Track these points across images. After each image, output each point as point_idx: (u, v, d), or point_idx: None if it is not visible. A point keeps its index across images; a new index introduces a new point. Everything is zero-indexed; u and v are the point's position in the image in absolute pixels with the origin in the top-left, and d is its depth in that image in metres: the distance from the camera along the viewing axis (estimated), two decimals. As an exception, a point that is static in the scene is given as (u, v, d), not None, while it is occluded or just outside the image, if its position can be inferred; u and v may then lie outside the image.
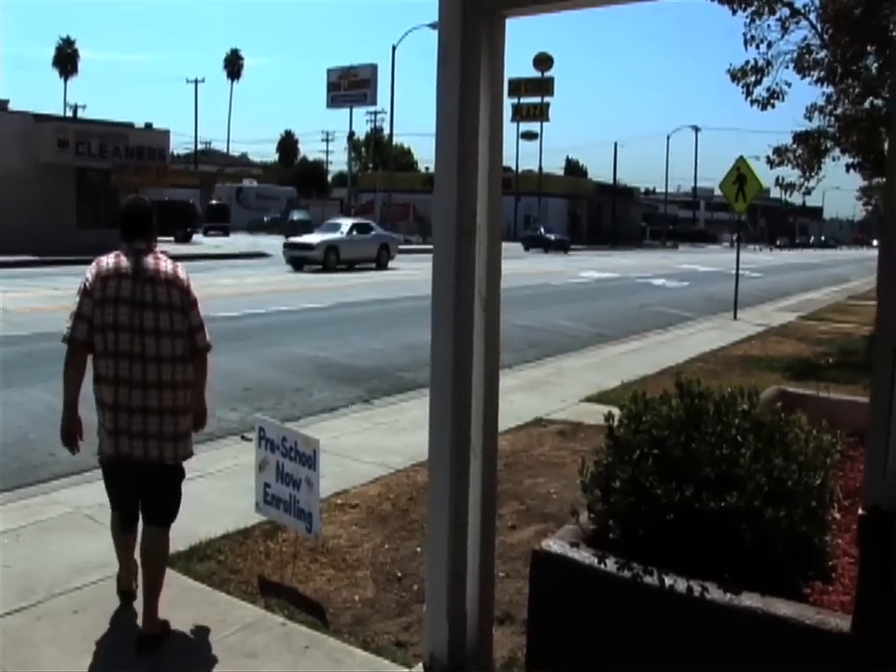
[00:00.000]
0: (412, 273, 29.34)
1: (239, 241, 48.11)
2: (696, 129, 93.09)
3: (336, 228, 33.89)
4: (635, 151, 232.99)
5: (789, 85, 14.16)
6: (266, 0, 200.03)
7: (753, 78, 14.03)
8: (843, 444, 4.29)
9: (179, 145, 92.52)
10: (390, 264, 34.02)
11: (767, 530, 3.25)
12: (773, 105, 14.16)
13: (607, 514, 3.57)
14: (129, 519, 4.45)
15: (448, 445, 3.72)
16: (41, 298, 18.20)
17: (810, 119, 14.83)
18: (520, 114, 68.97)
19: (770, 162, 15.05)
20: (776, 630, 2.96)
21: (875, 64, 13.45)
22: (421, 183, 68.03)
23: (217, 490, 6.48)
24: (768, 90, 14.10)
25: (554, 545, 3.52)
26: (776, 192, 20.51)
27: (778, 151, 14.93)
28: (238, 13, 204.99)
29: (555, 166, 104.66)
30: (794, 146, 14.82)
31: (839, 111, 14.54)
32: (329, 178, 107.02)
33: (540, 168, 75.91)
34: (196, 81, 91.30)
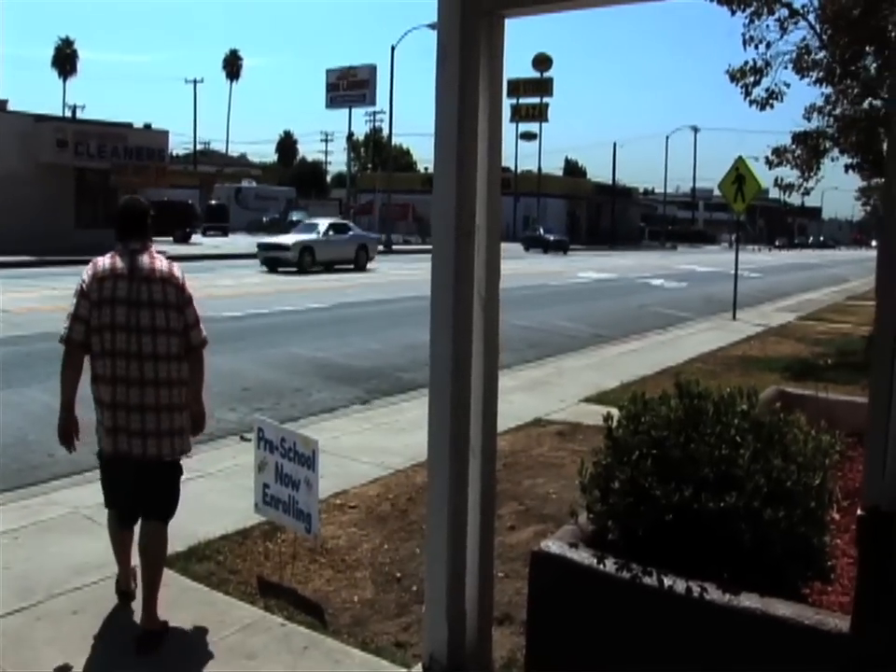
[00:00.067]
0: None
1: (238, 241, 48.05)
2: (695, 129, 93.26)
3: (312, 228, 32.92)
4: (634, 152, 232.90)
5: (787, 85, 14.17)
6: (265, 0, 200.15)
7: (752, 79, 14.03)
8: (842, 445, 4.28)
9: (178, 145, 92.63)
10: (369, 265, 33.28)
11: (766, 531, 3.25)
12: (772, 106, 14.17)
13: (606, 515, 3.57)
14: (126, 517, 4.48)
15: (447, 445, 3.72)
16: (40, 298, 18.19)
17: (809, 119, 14.84)
18: (519, 114, 69.01)
19: (769, 163, 15.05)
20: (775, 630, 2.96)
21: (874, 65, 13.46)
22: (420, 183, 68.10)
23: (217, 490, 6.48)
24: (767, 90, 14.12)
25: (553, 546, 3.52)
26: (774, 193, 20.51)
27: (777, 152, 14.93)
28: (237, 13, 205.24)
29: (554, 167, 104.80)
30: (793, 146, 14.82)
31: (838, 112, 14.54)
32: (329, 179, 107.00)
33: (539, 168, 75.98)
34: (195, 81, 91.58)
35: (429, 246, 3.89)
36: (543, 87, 68.04)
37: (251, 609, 4.62)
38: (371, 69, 56.91)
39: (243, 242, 47.43)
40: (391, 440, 8.13)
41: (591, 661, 3.39)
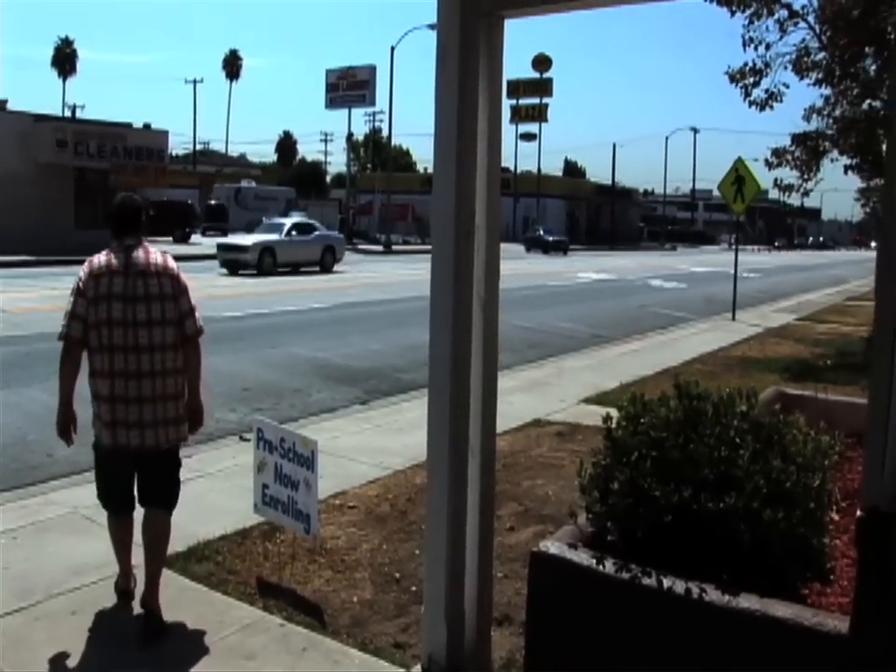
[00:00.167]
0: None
1: (237, 241, 47.93)
2: (695, 130, 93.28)
3: (275, 228, 31.29)
4: (633, 152, 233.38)
5: (787, 86, 14.16)
6: (265, 1, 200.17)
7: (752, 80, 14.03)
8: (841, 445, 4.29)
9: (178, 145, 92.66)
10: (336, 267, 31.71)
11: (766, 531, 3.25)
12: (771, 107, 14.17)
13: (605, 516, 3.57)
14: (123, 507, 4.54)
15: (446, 446, 3.71)
16: (39, 298, 18.19)
17: (808, 120, 14.84)
18: (518, 115, 69.00)
19: (768, 164, 15.05)
20: (774, 631, 2.96)
21: (874, 66, 13.46)
22: (420, 184, 68.08)
23: (216, 491, 6.48)
24: (767, 91, 14.11)
25: (553, 546, 3.52)
26: (774, 194, 20.52)
27: (777, 153, 14.93)
28: (237, 14, 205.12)
29: (554, 167, 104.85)
30: (793, 147, 14.81)
31: (837, 113, 14.54)
32: (328, 179, 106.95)
33: (539, 169, 75.99)
34: (195, 82, 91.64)
35: (428, 247, 3.89)
36: (543, 87, 68.02)
37: (250, 609, 4.62)
38: (371, 69, 56.87)
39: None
40: (390, 440, 8.12)
41: (590, 662, 3.39)
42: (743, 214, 19.74)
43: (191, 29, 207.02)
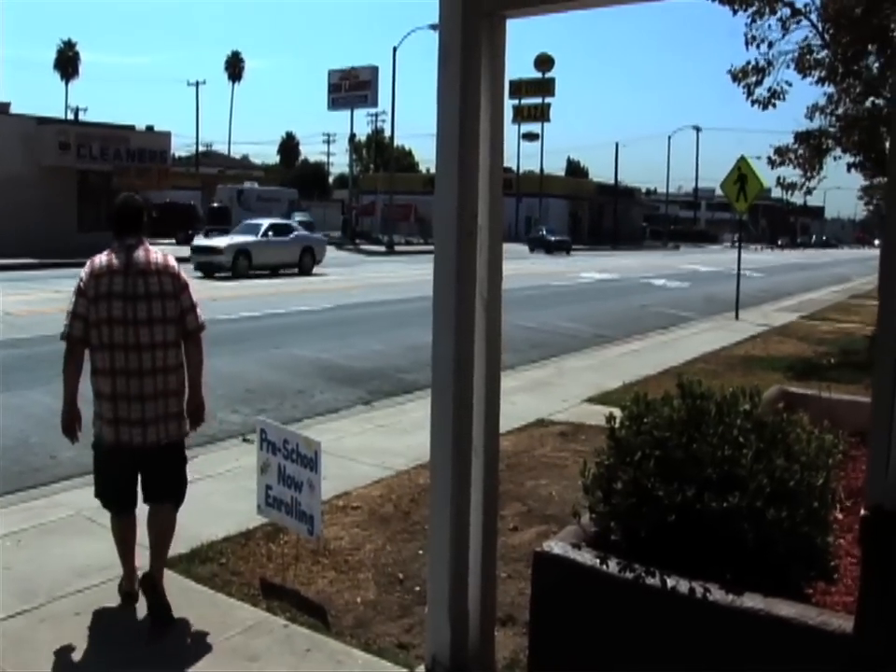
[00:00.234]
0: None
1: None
2: (697, 129, 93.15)
3: (252, 229, 30.01)
4: (636, 152, 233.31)
5: (790, 85, 14.16)
6: (267, 2, 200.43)
7: (754, 79, 14.03)
8: (845, 444, 4.28)
9: (180, 147, 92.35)
10: (316, 270, 30.46)
11: (769, 531, 3.24)
12: (774, 105, 14.17)
13: (608, 516, 3.56)
14: (125, 506, 4.57)
15: (450, 446, 3.71)
16: (42, 300, 18.21)
17: (811, 118, 14.84)
18: (521, 115, 68.94)
19: (771, 162, 15.04)
20: (778, 631, 2.95)
21: (876, 64, 13.46)
22: (422, 184, 68.03)
23: (219, 492, 6.48)
24: (769, 90, 14.12)
25: (556, 546, 3.51)
26: (777, 192, 20.51)
27: (780, 151, 14.92)
28: (239, 15, 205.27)
29: (557, 167, 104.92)
30: (795, 145, 14.80)
31: (840, 111, 14.54)
32: (331, 180, 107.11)
33: (542, 169, 76.01)
34: (197, 83, 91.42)
35: (431, 247, 3.89)
36: (545, 87, 67.94)
37: (254, 610, 4.62)
38: (373, 70, 56.86)
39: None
40: (394, 441, 8.12)
41: (594, 661, 3.38)
42: (746, 213, 19.70)
43: (193, 31, 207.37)
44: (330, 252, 46.98)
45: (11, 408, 9.03)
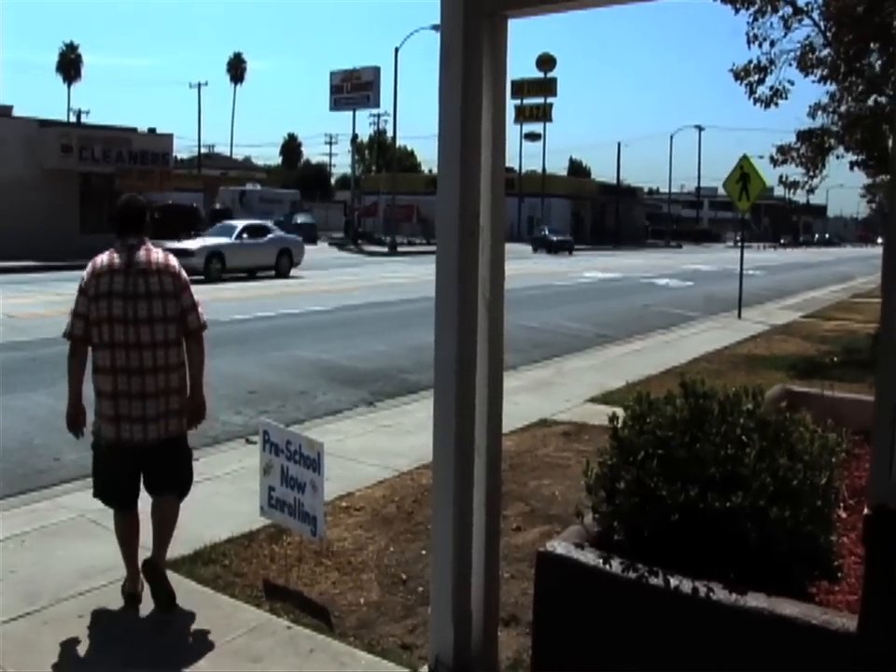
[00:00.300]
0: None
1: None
2: (700, 128, 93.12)
3: (227, 230, 29.22)
4: (638, 151, 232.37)
5: (792, 83, 14.17)
6: (268, 3, 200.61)
7: (756, 77, 14.04)
8: (848, 443, 4.26)
9: (182, 148, 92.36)
10: (294, 272, 29.46)
11: (773, 530, 3.23)
12: (776, 104, 14.17)
13: (611, 515, 3.56)
14: (127, 503, 4.61)
15: (452, 446, 3.71)
16: (45, 303, 18.23)
17: (814, 117, 14.82)
18: (523, 115, 68.94)
19: (774, 161, 15.04)
20: (782, 630, 2.94)
21: (879, 62, 13.45)
22: (424, 185, 68.07)
23: (222, 494, 6.48)
24: (771, 88, 14.13)
25: (559, 546, 3.51)
26: (779, 191, 20.50)
27: (782, 150, 14.91)
28: (240, 17, 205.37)
29: (559, 167, 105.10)
30: (798, 144, 14.80)
31: (843, 109, 14.52)
32: (333, 181, 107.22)
33: (544, 169, 75.97)
34: (199, 85, 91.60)
35: (433, 247, 3.89)
36: (547, 87, 67.94)
37: (257, 611, 4.62)
38: (375, 71, 56.84)
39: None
40: (396, 441, 8.12)
41: (597, 661, 3.38)
42: (748, 211, 19.70)
43: (195, 32, 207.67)
44: (332, 253, 47.13)
45: (15, 410, 9.05)
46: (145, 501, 4.77)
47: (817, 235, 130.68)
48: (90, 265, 4.53)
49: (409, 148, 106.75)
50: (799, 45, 13.96)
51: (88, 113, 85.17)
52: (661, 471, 3.44)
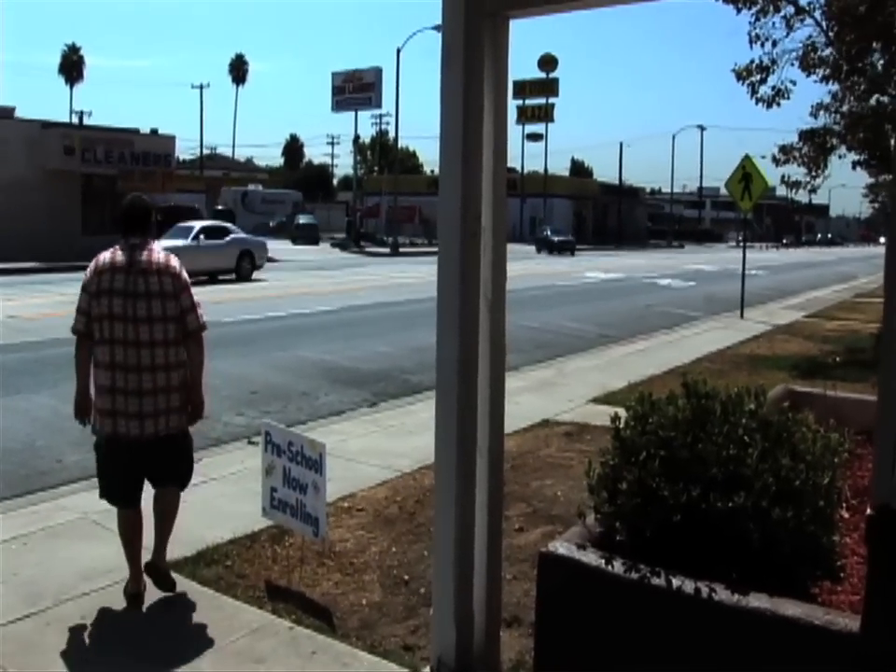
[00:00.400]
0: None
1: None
2: (702, 128, 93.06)
3: (183, 232, 27.43)
4: (640, 151, 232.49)
5: (794, 83, 14.14)
6: (270, 5, 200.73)
7: (758, 77, 14.02)
8: (851, 443, 4.26)
9: (185, 150, 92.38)
10: (256, 275, 28.16)
11: (775, 530, 3.23)
12: (778, 104, 14.15)
13: (613, 516, 3.55)
14: (128, 500, 4.68)
15: (454, 447, 3.71)
16: (47, 304, 18.25)
17: (816, 116, 14.80)
18: (525, 115, 69.01)
19: (776, 161, 15.02)
20: (784, 631, 2.94)
21: (881, 61, 13.42)
22: (426, 185, 68.09)
23: (224, 495, 6.48)
24: (773, 88, 14.10)
25: (561, 547, 3.51)
26: (782, 191, 20.47)
27: (784, 149, 14.90)
28: (242, 18, 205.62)
29: (561, 167, 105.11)
30: (800, 144, 14.78)
31: (845, 108, 14.51)
32: (335, 182, 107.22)
33: (546, 169, 76.01)
34: (201, 86, 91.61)
35: (435, 248, 3.89)
36: (549, 88, 68.00)
37: (259, 612, 4.62)
38: (377, 72, 56.85)
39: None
40: (399, 442, 8.12)
41: (600, 662, 3.38)
42: (750, 211, 19.68)
43: (197, 34, 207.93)
44: (334, 254, 47.11)
45: (18, 411, 9.05)
46: (147, 502, 4.79)
47: (819, 235, 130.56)
48: (92, 262, 4.63)
49: (411, 149, 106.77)
50: (801, 44, 13.97)
51: (90, 114, 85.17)
52: (663, 472, 3.43)
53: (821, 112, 14.70)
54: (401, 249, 49.78)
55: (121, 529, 4.72)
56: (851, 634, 2.78)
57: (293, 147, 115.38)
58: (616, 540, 3.51)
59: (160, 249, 4.69)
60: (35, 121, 35.44)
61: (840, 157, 14.90)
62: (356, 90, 57.75)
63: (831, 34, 13.60)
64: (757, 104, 14.18)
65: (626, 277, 33.43)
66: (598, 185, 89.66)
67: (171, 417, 4.59)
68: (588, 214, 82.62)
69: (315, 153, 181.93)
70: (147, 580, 4.76)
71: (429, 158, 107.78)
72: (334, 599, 4.81)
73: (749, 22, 13.65)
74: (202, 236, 27.52)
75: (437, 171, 4.00)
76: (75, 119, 75.92)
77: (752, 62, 13.95)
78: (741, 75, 14.09)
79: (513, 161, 69.57)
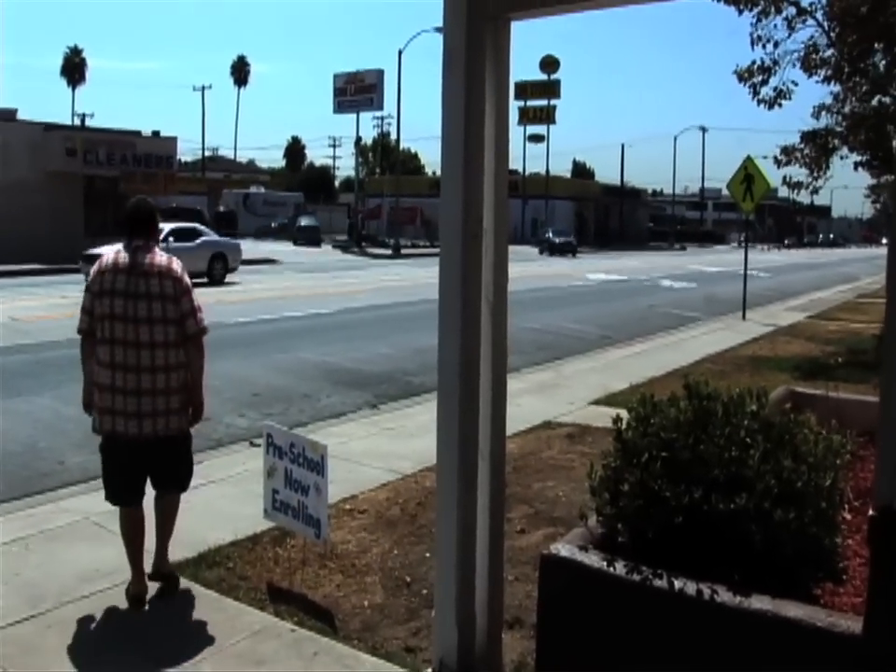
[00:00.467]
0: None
1: (246, 247, 48.01)
2: (703, 129, 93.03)
3: None
4: (641, 153, 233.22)
5: (796, 84, 14.12)
6: (272, 7, 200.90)
7: (760, 78, 13.99)
8: (853, 444, 4.26)
9: (187, 151, 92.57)
10: (230, 278, 27.19)
11: (777, 532, 3.23)
12: (780, 105, 14.12)
13: (615, 518, 3.55)
14: (130, 498, 4.71)
15: (456, 449, 3.70)
16: (49, 306, 18.26)
17: (818, 117, 14.78)
18: (527, 117, 69.06)
19: (778, 162, 14.99)
20: (787, 632, 2.93)
21: (883, 62, 13.39)
22: (428, 187, 68.10)
23: (226, 497, 6.48)
24: (775, 89, 14.07)
25: (563, 549, 3.50)
26: (783, 192, 20.47)
27: (786, 150, 14.87)
28: (244, 20, 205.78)
29: (562, 168, 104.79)
30: (802, 145, 14.76)
31: (847, 109, 14.48)
32: (337, 183, 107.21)
33: (547, 170, 75.95)
34: (203, 88, 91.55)
35: (437, 250, 3.89)
36: (551, 89, 68.07)
37: (261, 614, 4.61)
38: (379, 73, 56.87)
39: (249, 248, 47.50)
40: (400, 444, 8.12)
41: (601, 664, 3.37)
42: (752, 212, 19.67)
43: (199, 36, 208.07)
44: (336, 256, 47.11)
45: (19, 413, 9.06)
46: (148, 503, 4.79)
47: (821, 236, 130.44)
48: (96, 263, 4.73)
49: (412, 151, 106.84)
50: (803, 45, 13.94)
51: (92, 116, 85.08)
52: (665, 473, 3.43)
53: (823, 113, 14.68)
54: (403, 251, 49.77)
55: (123, 529, 4.75)
56: (854, 636, 2.78)
57: (295, 149, 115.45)
58: (618, 542, 3.51)
59: (162, 252, 4.74)
60: (37, 123, 35.45)
61: (842, 158, 14.87)
62: (357, 91, 57.78)
63: (832, 34, 13.58)
64: (759, 105, 14.16)
65: (628, 279, 33.42)
66: (600, 186, 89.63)
67: (170, 419, 4.63)
68: (590, 215, 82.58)
69: (316, 155, 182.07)
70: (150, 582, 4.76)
71: (431, 159, 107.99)
72: (336, 601, 4.80)
73: (751, 24, 13.64)
74: (171, 238, 26.11)
75: (438, 172, 4.00)
76: (77, 122, 76.01)
77: (754, 63, 13.94)
78: (743, 76, 14.07)
79: (515, 162, 69.59)
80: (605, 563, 3.35)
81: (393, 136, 75.56)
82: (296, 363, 12.54)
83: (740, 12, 13.48)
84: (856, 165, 15.00)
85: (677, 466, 3.45)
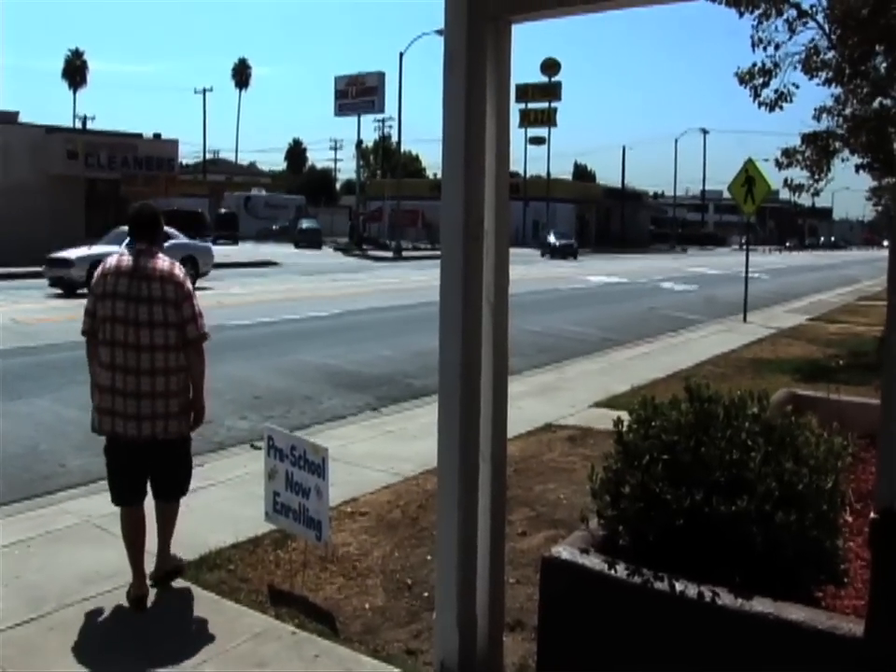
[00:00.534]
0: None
1: (247, 250, 48.12)
2: (705, 132, 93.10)
3: (119, 237, 23.90)
4: (642, 155, 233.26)
5: (797, 86, 14.12)
6: (273, 9, 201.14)
7: (761, 80, 14.00)
8: (854, 446, 4.25)
9: (188, 154, 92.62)
10: (200, 283, 24.68)
11: (778, 534, 3.22)
12: (781, 107, 14.13)
13: (616, 520, 3.55)
14: (130, 498, 4.76)
15: (457, 451, 3.70)
16: (50, 309, 18.29)
17: (818, 120, 14.78)
18: (528, 119, 69.13)
19: (779, 164, 15.00)
20: (788, 635, 2.93)
21: (884, 64, 13.39)
22: (429, 189, 68.12)
23: (227, 499, 6.48)
24: (776, 91, 14.08)
25: (564, 551, 3.50)
26: (785, 194, 20.46)
27: (787, 153, 14.88)
28: (245, 22, 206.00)
29: (564, 171, 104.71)
30: (803, 147, 14.76)
31: (848, 112, 14.48)
32: (338, 186, 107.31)
33: (549, 173, 75.99)
34: (204, 91, 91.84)
35: (438, 252, 3.89)
36: (552, 91, 68.14)
37: (262, 617, 4.61)
38: (380, 76, 56.96)
39: (250, 250, 47.57)
40: (401, 446, 8.11)
41: (603, 666, 3.37)
42: (753, 215, 19.67)
43: (200, 38, 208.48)
44: (337, 258, 47.12)
45: (20, 416, 9.06)
46: (149, 507, 4.79)
47: (822, 238, 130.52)
48: (100, 266, 4.77)
49: (413, 153, 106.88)
50: (804, 48, 13.95)
51: (93, 119, 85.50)
52: (666, 476, 3.43)
53: (824, 115, 14.68)
54: (404, 253, 49.79)
55: (124, 531, 4.77)
56: (855, 638, 2.77)
57: (296, 152, 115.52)
58: (619, 545, 3.51)
59: (165, 257, 4.77)
60: (38, 126, 35.53)
61: (843, 160, 14.87)
62: (359, 94, 57.89)
63: (833, 37, 13.58)
64: (760, 107, 14.17)
65: (629, 281, 33.43)
66: (601, 189, 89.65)
67: (170, 422, 4.65)
68: (591, 218, 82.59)
69: (317, 157, 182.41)
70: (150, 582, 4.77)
71: (432, 161, 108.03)
72: (337, 604, 4.80)
73: (752, 26, 13.65)
74: None
75: (439, 174, 4.00)
76: (78, 124, 76.17)
77: (755, 65, 13.94)
78: (744, 78, 14.08)
79: (516, 164, 69.68)
80: (606, 565, 3.35)
81: (394, 139, 75.66)
82: (297, 365, 12.54)
83: (741, 14, 13.49)
84: (857, 168, 15.01)
85: (678, 468, 3.45)
